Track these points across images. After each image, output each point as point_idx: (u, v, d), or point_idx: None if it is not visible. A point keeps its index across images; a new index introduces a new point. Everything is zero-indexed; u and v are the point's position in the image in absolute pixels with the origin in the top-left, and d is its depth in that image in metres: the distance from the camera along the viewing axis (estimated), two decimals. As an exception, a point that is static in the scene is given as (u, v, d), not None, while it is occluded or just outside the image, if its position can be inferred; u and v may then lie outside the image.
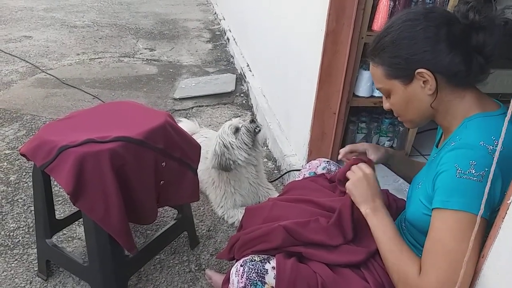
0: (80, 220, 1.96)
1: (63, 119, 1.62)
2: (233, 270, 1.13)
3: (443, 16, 1.00)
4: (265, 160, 2.75)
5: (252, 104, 3.52)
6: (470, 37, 0.97)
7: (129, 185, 1.44)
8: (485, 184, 0.87)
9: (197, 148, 1.72)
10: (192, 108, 3.47)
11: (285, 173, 2.46)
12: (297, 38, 2.44)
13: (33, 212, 2.02)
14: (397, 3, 1.96)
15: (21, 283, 1.74)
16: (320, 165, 1.59)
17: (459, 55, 0.97)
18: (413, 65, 0.99)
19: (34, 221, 1.80)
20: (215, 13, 6.62)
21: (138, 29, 5.66)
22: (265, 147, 2.90)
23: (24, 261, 1.85)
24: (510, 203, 0.80)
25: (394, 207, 1.31)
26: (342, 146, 2.31)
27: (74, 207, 1.68)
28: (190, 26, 6.00)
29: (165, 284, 1.77)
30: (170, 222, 1.89)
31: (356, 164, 1.20)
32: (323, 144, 2.22)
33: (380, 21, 1.95)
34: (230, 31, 5.23)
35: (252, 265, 1.10)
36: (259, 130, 2.08)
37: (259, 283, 1.08)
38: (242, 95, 3.75)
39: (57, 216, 1.83)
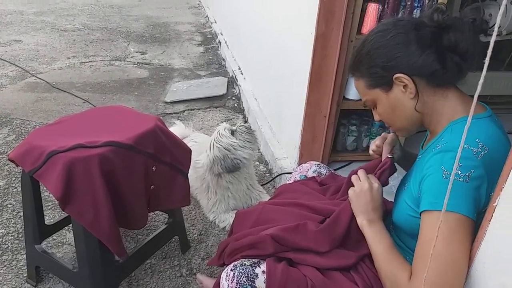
0: (70, 225, 1.94)
1: (52, 124, 1.61)
2: (223, 274, 1.13)
3: (411, 22, 1.05)
4: (257, 163, 2.75)
5: (243, 107, 3.52)
6: (441, 38, 1.00)
7: (119, 190, 1.43)
8: (472, 185, 0.89)
9: (187, 152, 1.72)
10: (184, 111, 3.46)
11: (277, 176, 2.46)
12: (288, 41, 2.44)
13: (22, 217, 2.00)
14: (385, 6, 1.97)
15: (10, 289, 1.73)
16: (310, 168, 1.59)
17: (431, 54, 1.00)
18: (389, 71, 1.03)
19: (23, 226, 1.78)
20: (207, 16, 6.63)
21: (129, 32, 5.65)
22: (256, 150, 2.90)
23: (13, 267, 1.83)
24: (496, 205, 0.81)
25: (384, 209, 1.31)
26: (333, 149, 2.34)
27: (64, 212, 1.66)
28: (181, 29, 5.99)
29: (156, 289, 1.77)
30: (161, 226, 1.88)
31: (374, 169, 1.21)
32: (314, 147, 2.23)
33: (369, 24, 1.96)
34: (221, 34, 5.24)
35: (242, 269, 1.10)
36: (250, 126, 2.12)
37: (249, 287, 1.08)
38: (233, 98, 3.75)
39: (46, 222, 1.81)
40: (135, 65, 4.45)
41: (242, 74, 3.92)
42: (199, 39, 5.57)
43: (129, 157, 1.44)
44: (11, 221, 2.10)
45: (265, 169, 2.70)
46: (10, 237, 1.99)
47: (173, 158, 1.62)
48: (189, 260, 1.92)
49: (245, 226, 1.31)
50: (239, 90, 3.73)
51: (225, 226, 2.13)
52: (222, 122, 2.15)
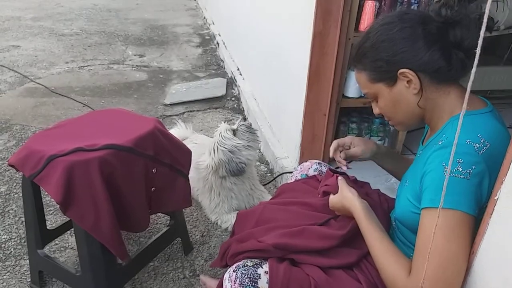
0: (72, 229, 1.94)
1: (51, 128, 1.61)
2: (226, 275, 1.13)
3: (418, 16, 1.02)
4: (258, 163, 2.75)
5: (243, 108, 3.52)
6: (447, 33, 0.99)
7: (120, 192, 1.43)
8: (473, 181, 0.89)
9: (187, 153, 1.72)
10: (183, 113, 3.46)
11: (278, 175, 2.46)
12: (285, 40, 2.44)
13: (24, 223, 1.99)
14: (382, 3, 1.97)
15: (13, 295, 1.73)
16: (311, 167, 1.59)
17: (437, 51, 0.98)
18: (394, 66, 1.01)
19: (25, 232, 1.78)
20: (204, 18, 6.63)
21: (127, 35, 5.65)
22: (257, 150, 2.90)
23: (17, 272, 1.83)
24: (497, 199, 0.80)
25: (386, 206, 1.31)
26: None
27: (65, 216, 1.67)
28: (179, 32, 5.99)
29: (160, 291, 1.77)
30: (163, 228, 1.88)
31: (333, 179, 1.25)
32: (314, 145, 2.23)
33: (366, 22, 1.96)
34: (219, 35, 5.24)
35: (245, 270, 1.10)
36: (250, 124, 2.11)
37: None
38: (233, 99, 3.75)
39: (48, 226, 1.81)
40: (133, 68, 4.45)
41: (241, 74, 3.92)
42: (197, 41, 5.57)
43: (129, 159, 1.43)
44: (13, 226, 2.10)
45: (266, 169, 2.70)
46: (13, 243, 1.99)
47: (173, 159, 1.61)
48: (192, 262, 1.92)
49: (246, 227, 1.30)
50: (238, 91, 3.73)
51: (228, 227, 2.12)
52: (221, 122, 2.14)
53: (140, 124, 1.58)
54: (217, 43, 5.13)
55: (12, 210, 2.22)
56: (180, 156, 1.66)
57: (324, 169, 1.58)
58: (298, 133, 2.22)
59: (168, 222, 1.93)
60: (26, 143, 1.49)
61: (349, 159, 1.35)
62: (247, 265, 1.12)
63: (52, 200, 2.25)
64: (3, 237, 2.02)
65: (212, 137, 2.14)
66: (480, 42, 0.58)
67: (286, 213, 1.29)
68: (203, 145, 2.22)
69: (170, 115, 3.41)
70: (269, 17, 2.78)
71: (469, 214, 0.88)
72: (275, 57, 2.67)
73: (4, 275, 1.81)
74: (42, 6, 7.21)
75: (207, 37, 5.73)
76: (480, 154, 0.90)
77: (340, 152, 1.35)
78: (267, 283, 1.08)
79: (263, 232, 1.22)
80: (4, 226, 2.09)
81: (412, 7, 1.98)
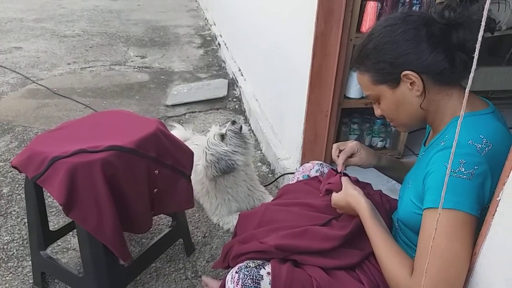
0: (74, 230, 1.95)
1: (54, 130, 1.61)
2: (229, 277, 1.13)
3: (421, 18, 1.02)
4: (259, 164, 2.75)
5: (244, 109, 3.52)
6: (450, 35, 0.99)
7: (122, 194, 1.43)
8: (475, 182, 0.89)
9: (189, 155, 1.72)
10: (185, 114, 3.47)
11: (279, 176, 2.46)
12: (287, 41, 2.44)
13: (27, 224, 2.00)
14: (384, 4, 1.97)
15: (16, 296, 1.73)
16: (313, 168, 1.59)
17: (441, 53, 0.98)
18: (398, 68, 1.01)
19: (28, 233, 1.79)
20: (206, 18, 6.63)
21: (128, 37, 5.66)
22: (259, 151, 2.91)
23: (19, 273, 1.83)
24: (499, 200, 0.80)
25: (388, 207, 1.31)
26: (335, 148, 2.33)
27: (68, 217, 1.67)
28: (180, 32, 6.00)
29: (162, 292, 1.77)
30: (165, 229, 1.89)
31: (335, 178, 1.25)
32: (316, 146, 2.23)
33: (368, 23, 1.96)
34: (221, 36, 5.24)
35: (247, 271, 1.10)
36: (241, 127, 2.08)
37: (254, 289, 1.08)
38: (234, 100, 3.76)
39: (51, 227, 1.82)
40: (135, 69, 4.46)
41: (242, 75, 3.92)
42: (199, 42, 5.57)
43: (131, 161, 1.44)
44: (16, 227, 2.10)
45: (267, 169, 2.70)
46: (15, 244, 2.00)
47: (175, 161, 1.62)
48: (194, 263, 1.92)
49: (248, 228, 1.31)
50: (240, 92, 3.73)
51: (229, 228, 2.13)
52: (213, 126, 2.13)
53: (142, 126, 1.58)
54: (219, 44, 5.14)
55: (14, 211, 2.22)
56: (182, 158, 1.66)
57: (326, 170, 1.58)
58: (300, 134, 2.22)
59: (170, 223, 1.93)
60: (29, 145, 1.49)
61: (348, 165, 1.35)
62: (250, 266, 1.12)
63: (55, 201, 2.25)
64: (5, 238, 2.03)
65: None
66: (478, 45, 0.58)
67: (288, 214, 1.29)
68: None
69: (171, 116, 3.41)
70: (270, 18, 2.78)
71: (471, 214, 0.88)
72: (277, 58, 2.67)
73: (7, 276, 1.82)
74: (44, 7, 7.22)
75: (208, 38, 5.73)
76: (483, 155, 0.90)
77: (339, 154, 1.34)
78: (269, 284, 1.08)
79: (265, 233, 1.22)
80: (6, 227, 2.10)
81: (414, 7, 1.98)
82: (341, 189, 1.21)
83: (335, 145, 1.36)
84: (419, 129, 1.26)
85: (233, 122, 2.06)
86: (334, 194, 1.22)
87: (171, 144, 1.61)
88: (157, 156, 1.53)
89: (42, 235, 1.66)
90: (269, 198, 2.25)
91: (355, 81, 2.14)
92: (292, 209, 1.31)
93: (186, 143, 2.15)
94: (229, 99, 3.76)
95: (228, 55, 4.54)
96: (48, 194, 2.14)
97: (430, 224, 0.93)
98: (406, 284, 0.93)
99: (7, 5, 7.22)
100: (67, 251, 1.96)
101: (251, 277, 1.09)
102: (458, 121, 0.67)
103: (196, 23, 6.60)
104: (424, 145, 1.18)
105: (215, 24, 5.92)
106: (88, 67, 4.46)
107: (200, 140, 2.43)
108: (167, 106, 3.60)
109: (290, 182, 1.63)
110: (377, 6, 1.94)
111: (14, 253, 1.94)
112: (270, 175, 2.64)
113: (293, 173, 2.16)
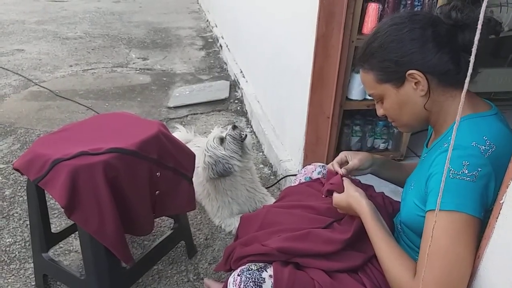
0: (76, 233, 1.95)
1: (56, 132, 1.61)
2: (231, 279, 1.13)
3: (427, 17, 1.01)
4: (261, 165, 2.75)
5: (246, 110, 3.52)
6: (456, 36, 0.98)
7: (124, 196, 1.43)
8: (479, 184, 0.88)
9: (191, 157, 1.72)
10: (187, 116, 3.47)
11: (281, 178, 2.46)
12: (289, 43, 2.44)
13: (29, 226, 2.00)
14: (386, 6, 1.97)
15: (18, 298, 1.73)
16: (315, 170, 1.59)
17: (446, 54, 0.98)
18: (403, 67, 1.00)
19: (30, 235, 1.79)
20: (207, 20, 6.64)
21: (130, 38, 5.67)
22: (261, 153, 2.91)
23: (21, 276, 1.83)
24: (502, 202, 0.80)
25: (390, 209, 1.31)
26: (337, 149, 2.33)
27: (70, 220, 1.67)
28: (182, 34, 6.01)
29: (164, 294, 1.77)
30: (167, 232, 1.88)
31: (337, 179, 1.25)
32: (318, 148, 2.22)
33: (369, 24, 1.96)
34: (222, 38, 5.25)
35: (249, 274, 1.10)
36: (245, 136, 2.07)
37: (256, 291, 1.07)
38: (236, 101, 3.76)
39: (53, 230, 1.82)
40: (137, 71, 4.47)
41: (244, 77, 3.92)
42: (200, 44, 5.58)
43: (133, 163, 1.44)
44: (18, 230, 2.11)
45: (269, 171, 2.69)
46: (18, 246, 2.00)
47: (177, 163, 1.62)
48: (196, 265, 1.92)
49: (250, 230, 1.30)
50: (242, 93, 3.73)
51: (231, 230, 2.12)
52: (215, 127, 2.13)
53: (144, 128, 1.58)
54: (220, 45, 5.14)
55: (16, 213, 2.22)
56: (184, 160, 1.66)
57: (328, 172, 1.57)
58: (302, 135, 2.22)
59: (172, 225, 1.93)
60: (31, 147, 1.49)
61: (350, 173, 1.34)
62: (252, 269, 1.11)
63: (57, 203, 2.25)
64: (7, 240, 2.03)
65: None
66: (474, 48, 0.57)
67: (290, 216, 1.28)
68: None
69: (173, 118, 3.42)
70: (272, 20, 2.78)
71: (475, 216, 0.88)
72: (278, 59, 2.67)
73: (9, 278, 1.82)
74: (46, 9, 7.24)
75: (210, 40, 5.74)
76: (486, 157, 0.90)
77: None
78: (271, 287, 1.07)
79: (267, 235, 1.22)
80: (9, 230, 2.10)
81: (416, 9, 1.98)
82: (343, 189, 1.20)
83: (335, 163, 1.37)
84: (422, 131, 1.26)
85: (234, 127, 2.05)
86: (335, 195, 1.22)
87: (172, 146, 1.61)
88: (159, 158, 1.53)
89: (44, 237, 1.66)
90: (271, 200, 2.25)
91: (357, 82, 2.14)
92: (294, 212, 1.30)
93: (188, 145, 2.15)
94: (231, 100, 3.77)
95: (230, 57, 4.54)
96: (50, 196, 2.14)
97: (432, 226, 0.92)
98: (409, 287, 0.93)
99: (10, 7, 7.25)
100: (69, 253, 1.96)
101: (253, 279, 1.08)
102: (454, 127, 0.67)
103: (198, 25, 6.60)
104: (427, 146, 1.17)
105: (216, 26, 5.92)
106: (90, 69, 4.47)
107: (202, 142, 2.43)
108: (169, 108, 3.61)
109: (292, 184, 1.62)
110: (379, 8, 1.94)
111: (16, 255, 1.94)
112: (272, 177, 2.63)
113: (295, 175, 2.15)
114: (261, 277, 1.09)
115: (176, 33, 6.06)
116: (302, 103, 2.16)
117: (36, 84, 4.01)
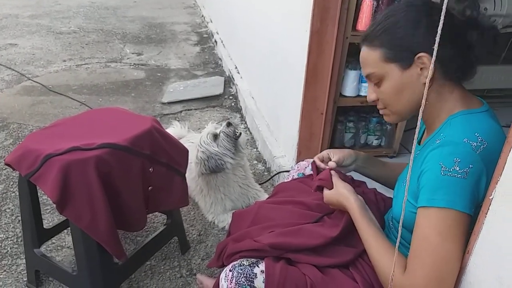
0: (69, 228, 1.93)
1: (48, 127, 1.60)
2: (222, 275, 1.13)
3: (445, 8, 1.01)
4: (255, 162, 2.75)
5: (241, 106, 3.52)
6: (466, 33, 0.99)
7: (116, 192, 1.43)
8: (470, 180, 0.89)
9: (184, 152, 1.72)
10: (181, 112, 3.46)
11: (275, 174, 2.46)
12: (283, 39, 2.44)
13: (21, 222, 1.99)
14: (380, 2, 1.97)
15: (10, 294, 1.72)
16: (308, 166, 1.59)
17: (455, 48, 0.98)
18: (414, 47, 0.99)
19: (22, 231, 1.78)
20: (202, 16, 6.61)
21: (125, 33, 5.63)
22: (255, 149, 2.91)
23: (13, 271, 1.83)
24: (492, 198, 0.81)
25: (382, 205, 1.32)
26: (331, 146, 2.34)
27: (62, 215, 1.66)
28: (177, 30, 5.98)
29: (157, 290, 1.76)
30: (160, 227, 1.88)
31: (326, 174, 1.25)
32: (311, 144, 2.23)
33: (364, 20, 1.95)
34: (217, 33, 5.23)
35: (241, 269, 1.10)
36: (240, 134, 2.07)
37: (248, 287, 1.08)
38: (231, 97, 3.75)
39: (45, 225, 1.81)
40: (131, 67, 4.45)
41: (238, 73, 3.92)
42: (195, 39, 5.56)
43: (125, 158, 1.43)
44: (10, 225, 2.09)
45: (263, 167, 2.69)
46: (9, 242, 1.99)
47: (170, 158, 1.61)
48: (189, 261, 1.92)
49: (242, 226, 1.30)
50: (236, 89, 3.72)
51: (225, 226, 2.12)
52: (209, 123, 2.13)
53: (137, 123, 1.58)
54: (215, 41, 5.13)
55: (8, 209, 2.21)
56: (177, 155, 1.65)
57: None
58: (296, 132, 2.22)
59: (165, 221, 1.93)
60: (22, 142, 1.48)
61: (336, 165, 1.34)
62: (243, 265, 1.12)
63: (49, 199, 2.24)
64: (-1, 236, 2.02)
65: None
66: (436, 45, 0.57)
67: (281, 212, 1.29)
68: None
69: (167, 114, 3.40)
70: (266, 16, 2.78)
71: (465, 213, 0.88)
72: (273, 55, 2.67)
73: (1, 274, 1.81)
74: (39, 4, 7.18)
75: (205, 35, 5.72)
76: (478, 153, 0.90)
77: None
78: (263, 282, 1.08)
79: (259, 231, 1.22)
80: (0, 225, 2.09)
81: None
82: (332, 185, 1.21)
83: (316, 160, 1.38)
84: (415, 127, 1.26)
85: (229, 124, 2.05)
86: (326, 192, 1.22)
87: (165, 142, 1.61)
88: (152, 153, 1.53)
89: (36, 233, 1.65)
90: (264, 196, 2.25)
91: (350, 79, 2.15)
92: (285, 207, 1.30)
93: (182, 141, 2.15)
94: (225, 96, 3.76)
95: (225, 53, 4.53)
96: (43, 192, 2.13)
97: (422, 222, 0.93)
98: (399, 282, 0.93)
99: (3, 1, 7.17)
100: (61, 249, 1.95)
101: (245, 275, 1.09)
102: (418, 119, 0.67)
103: (192, 20, 6.57)
104: (419, 144, 1.17)
105: (211, 22, 5.90)
106: (84, 64, 4.44)
107: (195, 138, 2.43)
108: (163, 103, 3.59)
109: (285, 180, 1.62)
110: (373, 4, 1.94)
111: (8, 251, 1.94)
112: (265, 173, 2.63)
113: (288, 171, 2.16)
114: (252, 273, 1.09)
115: (171, 28, 6.03)
116: (296, 99, 2.16)
117: (29, 79, 3.98)
